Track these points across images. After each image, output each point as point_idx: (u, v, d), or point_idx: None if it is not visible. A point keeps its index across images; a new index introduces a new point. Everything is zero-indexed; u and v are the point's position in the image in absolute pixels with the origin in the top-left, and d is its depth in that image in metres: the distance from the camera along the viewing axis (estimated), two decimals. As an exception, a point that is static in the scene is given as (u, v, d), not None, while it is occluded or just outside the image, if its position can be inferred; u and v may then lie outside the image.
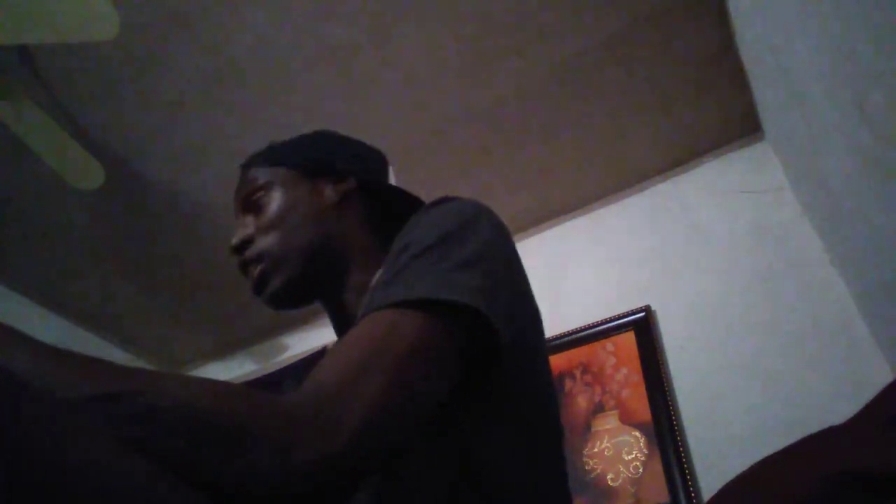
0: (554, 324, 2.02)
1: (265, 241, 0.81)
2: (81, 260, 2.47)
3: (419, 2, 1.75)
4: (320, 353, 2.59)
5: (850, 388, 1.56)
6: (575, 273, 2.22)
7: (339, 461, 0.46)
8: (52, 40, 1.65)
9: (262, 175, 0.85)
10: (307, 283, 0.80)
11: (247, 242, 0.82)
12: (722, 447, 1.66)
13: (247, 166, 0.89)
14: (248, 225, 0.83)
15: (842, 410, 0.47)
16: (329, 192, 0.85)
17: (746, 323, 1.82)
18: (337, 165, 0.87)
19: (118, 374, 0.44)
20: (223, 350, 2.99)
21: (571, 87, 1.97)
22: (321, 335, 2.66)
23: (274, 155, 0.88)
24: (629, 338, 1.97)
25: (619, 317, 2.02)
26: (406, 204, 0.87)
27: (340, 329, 0.83)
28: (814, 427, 0.46)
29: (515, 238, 2.26)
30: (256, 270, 0.80)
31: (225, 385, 0.48)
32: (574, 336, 2.06)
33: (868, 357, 1.59)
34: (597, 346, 2.01)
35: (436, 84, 1.94)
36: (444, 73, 1.92)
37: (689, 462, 1.68)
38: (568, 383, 1.99)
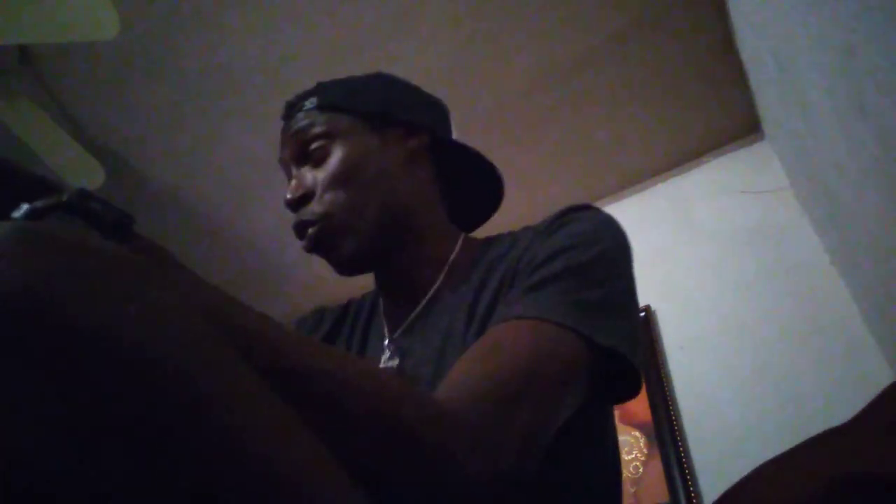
0: (554, 324, 2.02)
1: (331, 200, 0.70)
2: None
3: (419, 2, 1.75)
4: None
5: (850, 389, 1.56)
6: (575, 273, 2.22)
7: (501, 480, 0.45)
8: (52, 40, 1.65)
9: (318, 122, 0.75)
10: (377, 251, 0.72)
11: (306, 198, 0.72)
12: (722, 447, 1.66)
13: (295, 109, 0.79)
14: (304, 178, 0.73)
15: (842, 410, 0.47)
16: (399, 147, 0.76)
17: (746, 323, 1.81)
18: (406, 116, 0.78)
19: (319, 349, 0.44)
20: (223, 350, 2.99)
21: (572, 87, 1.97)
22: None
23: (330, 99, 0.77)
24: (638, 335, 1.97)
25: (619, 317, 2.02)
26: (475, 166, 0.81)
27: (398, 303, 0.75)
28: (814, 427, 0.46)
29: (515, 238, 2.26)
30: (316, 231, 0.70)
31: (403, 385, 0.47)
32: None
33: (868, 357, 1.59)
34: (597, 346, 2.01)
35: (435, 84, 1.94)
36: (443, 73, 1.91)
37: (689, 462, 1.68)
38: (568, 383, 1.99)
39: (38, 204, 0.35)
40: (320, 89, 0.80)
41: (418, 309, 0.72)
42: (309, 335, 0.78)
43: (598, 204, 2.32)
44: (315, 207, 0.71)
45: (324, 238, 0.70)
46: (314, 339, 0.42)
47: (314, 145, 0.74)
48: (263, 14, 1.77)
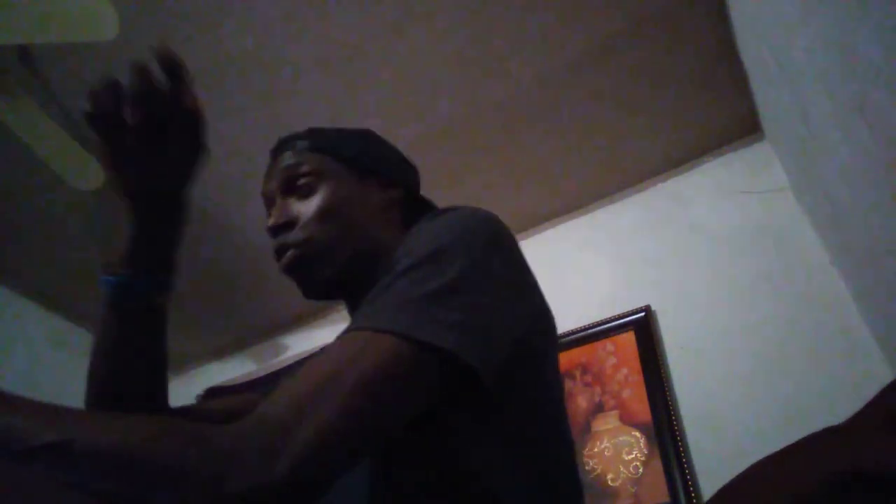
0: (554, 324, 2.02)
1: (313, 230, 0.78)
2: (81, 260, 2.47)
3: (421, 2, 1.75)
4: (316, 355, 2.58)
5: (850, 388, 1.56)
6: (575, 273, 2.22)
7: (275, 490, 0.46)
8: (52, 40, 1.65)
9: (308, 160, 0.82)
10: (345, 281, 0.78)
11: (289, 225, 0.79)
12: (722, 447, 1.66)
13: (285, 147, 0.86)
14: (289, 208, 0.80)
15: (842, 410, 0.47)
16: (378, 196, 0.83)
17: (746, 323, 1.82)
18: (386, 170, 0.86)
19: (57, 421, 0.46)
20: (223, 350, 2.99)
21: (571, 88, 1.97)
22: (321, 335, 2.66)
23: (320, 142, 0.85)
24: (629, 338, 1.97)
25: (619, 317, 2.02)
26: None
27: None
28: (814, 427, 0.46)
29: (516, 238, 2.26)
30: (296, 254, 0.78)
31: (161, 422, 0.49)
32: (574, 336, 2.06)
33: (868, 357, 1.59)
34: (597, 346, 2.01)
35: (435, 85, 1.94)
36: (443, 74, 1.92)
37: (689, 462, 1.68)
38: (568, 383, 1.99)
39: None
40: (313, 133, 0.87)
41: None
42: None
43: (598, 204, 2.33)
44: (298, 234, 0.78)
45: (301, 261, 0.78)
46: (63, 410, 0.46)
47: (301, 181, 0.81)
48: (263, 15, 1.77)
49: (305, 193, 0.80)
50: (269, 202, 0.84)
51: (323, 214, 0.78)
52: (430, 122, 2.02)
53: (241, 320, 2.82)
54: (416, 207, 0.88)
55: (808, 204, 1.83)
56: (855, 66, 1.01)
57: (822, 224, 1.74)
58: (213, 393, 2.76)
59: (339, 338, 0.58)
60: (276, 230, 0.79)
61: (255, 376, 2.75)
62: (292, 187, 0.81)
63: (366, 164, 0.85)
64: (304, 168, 0.82)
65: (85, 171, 1.95)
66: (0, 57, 1.76)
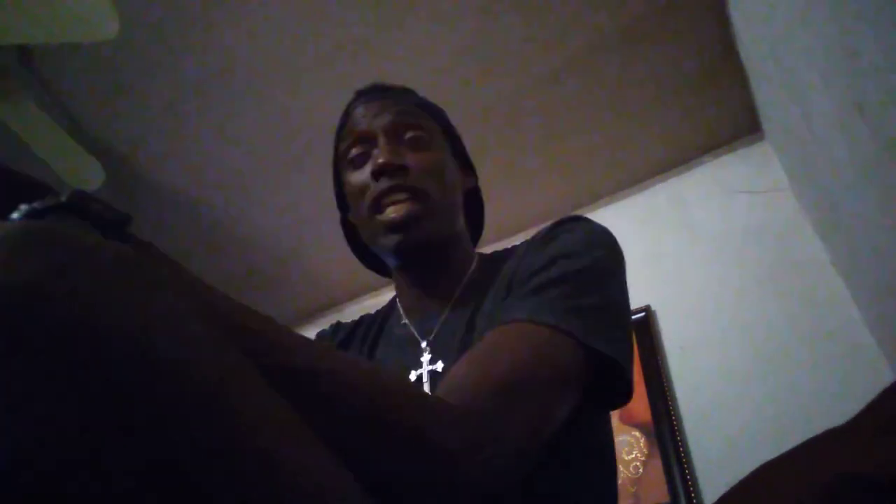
0: (554, 324, 2.02)
1: (428, 184, 0.74)
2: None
3: (416, 4, 1.75)
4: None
5: (851, 389, 1.56)
6: (575, 273, 2.22)
7: (500, 477, 0.46)
8: (52, 40, 1.65)
9: (423, 116, 0.80)
10: (436, 249, 0.76)
11: (402, 170, 0.73)
12: (722, 447, 1.66)
13: (391, 93, 0.81)
14: (401, 154, 0.75)
15: (842, 411, 0.47)
16: (462, 180, 0.84)
17: (746, 323, 1.82)
18: (470, 160, 0.89)
19: (325, 350, 0.45)
20: (223, 350, 2.99)
21: (571, 88, 1.97)
22: (321, 335, 2.66)
23: (434, 110, 0.84)
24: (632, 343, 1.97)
25: (619, 317, 2.02)
26: (479, 221, 0.92)
27: (415, 304, 0.79)
28: (814, 427, 0.46)
29: (515, 238, 2.26)
30: (410, 207, 0.72)
31: (405, 384, 0.49)
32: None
33: (868, 357, 1.59)
34: (597, 346, 2.01)
35: (435, 85, 1.94)
36: (443, 74, 1.91)
37: (689, 462, 1.68)
38: (568, 383, 1.99)
39: (37, 205, 0.35)
40: (417, 95, 0.86)
41: (445, 314, 0.76)
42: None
43: (598, 204, 2.33)
44: (417, 182, 0.73)
45: (417, 215, 0.72)
46: (316, 342, 0.43)
47: (413, 133, 0.77)
48: (263, 14, 1.77)
49: (416, 146, 0.76)
50: (359, 141, 0.77)
51: (437, 173, 0.75)
52: (430, 121, 2.02)
53: (241, 320, 2.82)
54: (473, 202, 0.89)
55: (808, 204, 1.83)
56: (855, 66, 1.01)
57: (822, 224, 1.74)
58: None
59: (519, 323, 0.57)
60: (387, 170, 0.73)
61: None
62: (401, 135, 0.76)
63: (461, 148, 0.86)
64: (420, 121, 0.78)
65: (85, 171, 1.95)
66: (0, 57, 1.76)
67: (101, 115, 2.01)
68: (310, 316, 2.77)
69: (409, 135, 0.76)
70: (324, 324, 2.76)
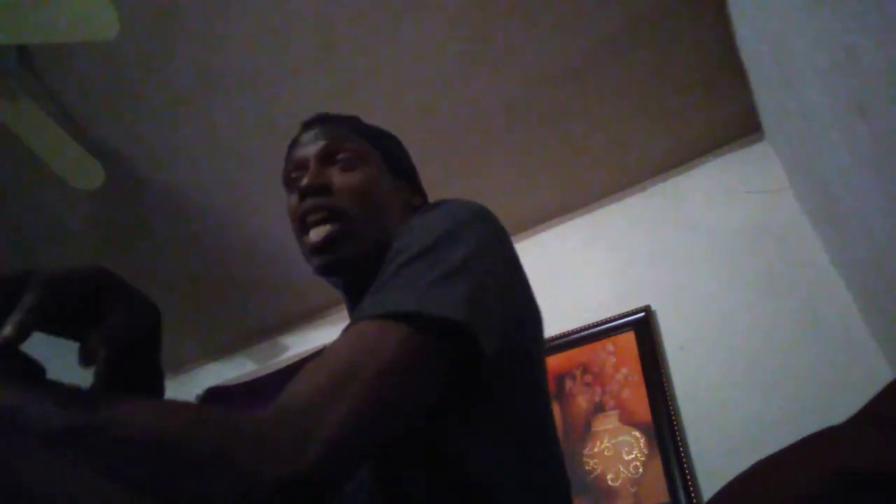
0: (554, 324, 2.02)
1: (349, 203, 0.76)
2: (81, 260, 2.47)
3: (417, 5, 1.75)
4: (320, 353, 2.59)
5: (850, 388, 1.56)
6: (575, 273, 2.22)
7: (308, 478, 0.46)
8: (52, 40, 1.65)
9: (352, 140, 0.83)
10: (364, 266, 0.76)
11: (325, 189, 0.77)
12: (722, 447, 1.66)
13: (326, 121, 0.86)
14: (328, 174, 0.79)
15: (842, 410, 0.47)
16: (404, 198, 0.86)
17: (746, 323, 1.82)
18: (414, 179, 0.90)
19: (90, 404, 0.44)
20: (223, 350, 2.99)
21: (571, 88, 1.97)
22: (321, 335, 2.66)
23: (364, 130, 0.87)
24: (629, 338, 1.97)
25: (619, 317, 2.02)
26: None
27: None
28: (814, 427, 0.46)
29: (516, 238, 2.26)
30: (329, 227, 0.75)
31: (196, 410, 0.48)
32: (574, 336, 2.06)
33: (868, 357, 1.59)
34: (597, 346, 2.01)
35: (435, 85, 1.94)
36: (443, 75, 1.91)
37: (689, 462, 1.68)
38: (568, 383, 1.99)
39: None
40: (356, 120, 0.90)
41: None
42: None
43: (598, 204, 2.33)
44: (336, 201, 0.76)
45: (337, 237, 0.75)
46: (92, 396, 0.45)
47: (343, 156, 0.81)
48: (263, 15, 1.77)
49: (346, 168, 0.80)
50: (297, 166, 0.82)
51: (362, 193, 0.78)
52: (429, 122, 2.02)
53: (241, 320, 2.82)
54: None
55: (808, 204, 1.83)
56: (855, 66, 1.01)
57: (822, 224, 1.74)
58: (212, 392, 2.76)
59: (350, 326, 0.57)
60: (310, 190, 0.77)
61: (255, 376, 2.75)
62: (332, 159, 0.81)
63: (401, 166, 0.87)
64: (352, 144, 0.82)
65: (85, 171, 1.95)
66: (0, 57, 1.76)
67: (101, 115, 2.01)
68: (309, 316, 2.77)
69: (340, 157, 0.80)
70: (323, 325, 2.77)
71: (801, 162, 1.72)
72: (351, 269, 0.77)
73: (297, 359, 2.65)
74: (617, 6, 1.76)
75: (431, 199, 0.93)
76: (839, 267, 1.72)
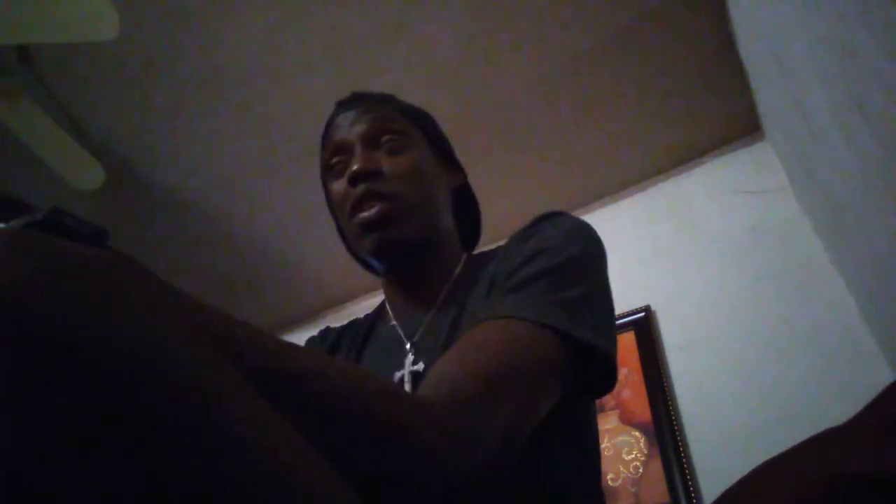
0: (554, 324, 2.02)
1: (403, 186, 0.75)
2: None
3: (419, 3, 1.75)
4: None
5: (850, 389, 1.56)
6: (575, 273, 2.22)
7: (481, 474, 0.47)
8: (52, 40, 1.65)
9: (400, 120, 0.81)
10: (420, 247, 0.77)
11: (375, 175, 0.75)
12: (722, 447, 1.66)
13: (367, 101, 0.83)
14: (375, 158, 0.77)
15: (842, 411, 0.47)
16: (447, 178, 0.85)
17: (746, 323, 1.81)
18: (455, 158, 0.88)
19: (303, 354, 0.43)
20: (223, 350, 2.99)
21: (571, 87, 1.97)
22: (321, 335, 2.66)
23: (409, 111, 0.84)
24: (629, 338, 1.97)
25: (619, 317, 2.02)
26: (474, 220, 0.91)
27: (409, 308, 0.80)
28: (814, 427, 0.46)
29: (515, 238, 2.26)
30: (382, 206, 0.73)
31: (385, 384, 0.49)
32: (574, 336, 2.05)
33: (868, 357, 1.59)
34: (597, 346, 2.01)
35: (435, 85, 1.94)
36: (443, 75, 1.91)
37: (689, 462, 1.68)
38: (568, 383, 1.99)
39: (13, 223, 0.35)
40: (394, 98, 0.86)
41: (430, 314, 0.77)
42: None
43: (598, 204, 2.33)
44: (388, 186, 0.74)
45: (391, 215, 0.73)
46: (296, 345, 0.43)
47: (388, 137, 0.78)
48: (263, 15, 1.77)
49: (392, 151, 0.77)
50: (339, 150, 0.80)
51: (414, 176, 0.76)
52: (430, 122, 2.02)
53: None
54: (463, 199, 0.89)
55: (808, 204, 1.83)
56: (855, 66, 1.01)
57: (822, 224, 1.74)
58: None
59: (491, 321, 0.58)
60: (361, 176, 0.74)
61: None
62: (377, 141, 0.78)
63: (441, 145, 0.86)
64: (397, 125, 0.79)
65: (85, 171, 1.95)
66: (0, 57, 1.76)
67: (101, 115, 2.01)
68: (309, 316, 2.77)
69: (384, 139, 0.78)
70: (323, 325, 2.76)
71: (801, 162, 1.72)
72: (404, 250, 0.76)
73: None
74: (617, 6, 1.76)
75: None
76: (839, 267, 1.72)
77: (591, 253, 0.68)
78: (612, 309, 0.68)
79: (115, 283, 0.31)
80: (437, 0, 1.75)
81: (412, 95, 2.02)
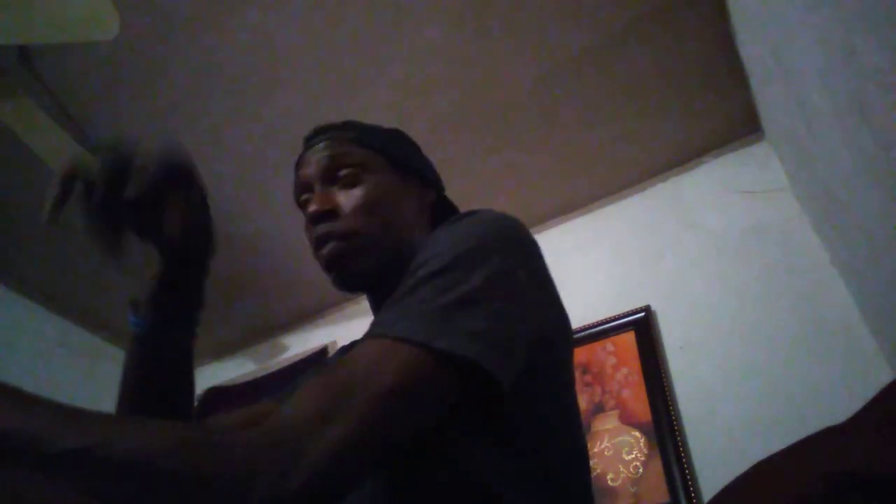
0: (554, 324, 2.02)
1: (357, 221, 0.76)
2: (81, 260, 2.47)
3: (419, 3, 1.75)
4: (320, 353, 2.59)
5: (850, 388, 1.56)
6: (575, 273, 2.22)
7: (296, 498, 0.46)
8: (52, 40, 1.65)
9: (353, 151, 0.81)
10: (379, 277, 0.77)
11: (332, 214, 0.77)
12: (722, 447, 1.66)
13: (324, 135, 0.84)
14: (332, 196, 0.78)
15: (842, 410, 0.47)
16: (416, 197, 0.85)
17: (746, 323, 1.82)
18: (424, 172, 0.88)
19: (77, 425, 0.45)
20: (223, 350, 2.99)
21: (571, 87, 1.97)
22: (321, 335, 2.66)
23: (365, 136, 0.85)
24: (629, 338, 1.97)
25: (619, 317, 2.02)
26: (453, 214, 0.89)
27: None
28: (814, 427, 0.46)
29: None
30: (340, 246, 0.76)
31: (182, 430, 0.49)
32: (574, 336, 2.05)
33: (868, 357, 1.59)
34: (597, 346, 2.01)
35: (434, 85, 1.94)
36: (443, 74, 1.91)
37: (689, 462, 1.68)
38: (568, 383, 1.99)
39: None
40: (354, 126, 0.87)
41: None
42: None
43: (597, 204, 2.33)
44: (344, 224, 0.76)
45: (345, 254, 0.76)
46: (77, 410, 0.46)
47: (345, 171, 0.79)
48: (263, 15, 1.77)
49: (348, 184, 0.79)
50: (304, 188, 0.82)
51: (368, 207, 0.77)
52: (429, 121, 2.02)
53: (241, 320, 2.82)
54: (443, 211, 0.89)
55: (808, 204, 1.83)
56: (855, 66, 1.01)
57: (822, 224, 1.74)
58: (213, 393, 2.75)
59: (359, 342, 0.58)
60: (317, 217, 0.77)
61: (255, 376, 2.75)
62: (334, 177, 0.80)
63: (408, 164, 0.85)
64: (350, 159, 0.80)
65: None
66: (0, 57, 1.76)
67: (101, 116, 2.01)
68: (308, 317, 2.77)
69: (342, 173, 0.79)
70: (323, 324, 2.76)
71: (801, 162, 1.72)
72: (367, 282, 0.79)
73: (297, 359, 2.65)
74: (617, 6, 1.76)
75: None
76: (839, 267, 1.72)
77: (484, 246, 0.63)
78: (510, 302, 0.62)
79: None
80: (437, 2, 1.75)
81: (410, 97, 2.03)
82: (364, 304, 2.88)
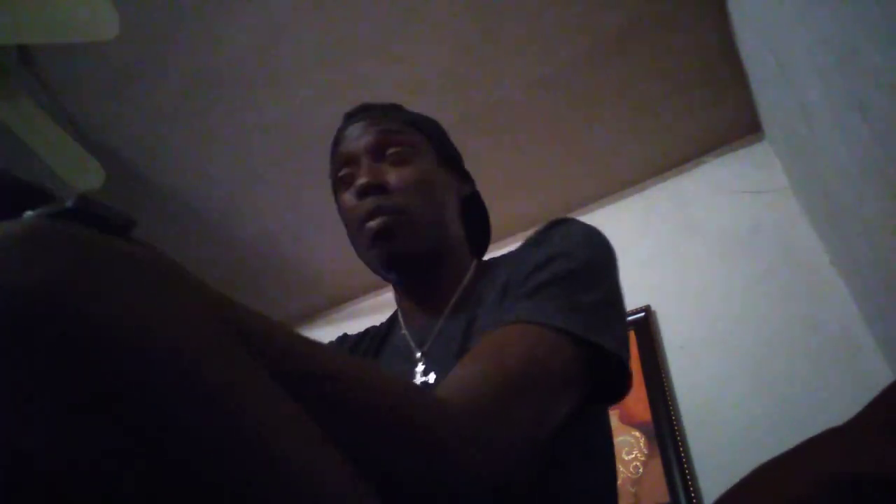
0: (554, 324, 2.02)
1: (410, 199, 0.75)
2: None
3: (419, 3, 1.75)
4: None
5: (850, 389, 1.56)
6: (575, 273, 2.22)
7: (501, 476, 0.46)
8: (52, 40, 1.65)
9: (405, 131, 0.81)
10: (422, 259, 0.77)
11: (381, 188, 0.75)
12: (722, 447, 1.66)
13: (374, 112, 0.84)
14: (382, 171, 0.77)
15: (842, 411, 0.47)
16: (455, 188, 0.85)
17: (746, 323, 1.81)
18: (464, 168, 0.89)
19: (330, 355, 0.43)
20: (223, 350, 2.99)
21: (571, 88, 1.97)
22: (321, 335, 2.66)
23: (417, 121, 0.85)
24: (629, 338, 1.97)
25: (620, 317, 2.02)
26: (483, 226, 0.93)
27: (419, 316, 0.80)
28: (814, 427, 0.46)
29: (515, 238, 2.26)
30: (388, 219, 0.74)
31: (410, 385, 0.50)
32: (574, 336, 2.05)
33: (868, 357, 1.59)
34: (597, 346, 2.01)
35: (435, 86, 1.94)
36: (443, 75, 1.91)
37: (689, 462, 1.68)
38: (568, 383, 1.99)
39: (42, 211, 0.35)
40: (401, 108, 0.87)
41: (441, 322, 0.77)
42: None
43: (598, 204, 2.33)
44: (395, 200, 0.75)
45: (397, 228, 0.74)
46: (319, 343, 0.43)
47: (394, 149, 0.79)
48: (263, 15, 1.77)
49: (398, 162, 0.78)
50: (345, 163, 0.80)
51: (418, 188, 0.76)
52: (430, 122, 2.02)
53: (241, 320, 2.81)
54: (472, 208, 0.90)
55: (808, 204, 1.83)
56: (855, 66, 1.01)
57: (822, 224, 1.74)
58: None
59: (518, 327, 0.57)
60: (367, 190, 0.75)
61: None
62: (383, 153, 0.79)
63: (449, 154, 0.86)
64: (402, 137, 0.79)
65: (85, 171, 1.95)
66: (0, 57, 1.76)
67: (101, 115, 2.01)
68: (310, 316, 2.77)
69: (390, 151, 0.78)
70: (324, 324, 2.76)
71: (801, 162, 1.72)
72: (412, 261, 0.77)
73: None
74: (617, 7, 1.76)
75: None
76: (839, 267, 1.72)
77: (603, 259, 0.68)
78: (624, 316, 0.68)
79: (144, 283, 0.31)
80: (437, 2, 1.75)
81: (412, 97, 2.03)
82: (363, 304, 2.87)
